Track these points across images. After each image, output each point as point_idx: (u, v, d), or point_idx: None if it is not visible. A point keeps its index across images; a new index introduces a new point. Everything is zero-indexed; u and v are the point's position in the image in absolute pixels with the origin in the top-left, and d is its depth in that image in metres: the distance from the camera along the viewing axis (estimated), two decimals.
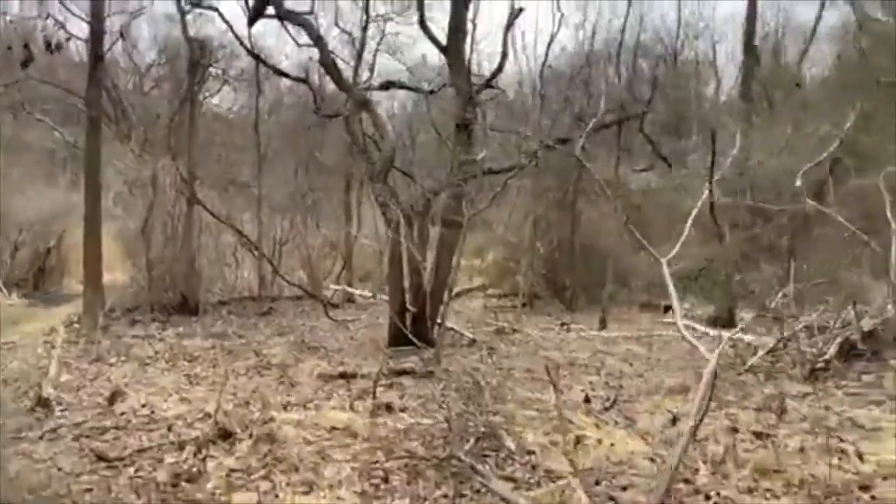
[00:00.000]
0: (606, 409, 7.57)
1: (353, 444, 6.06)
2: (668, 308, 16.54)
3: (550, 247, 17.13)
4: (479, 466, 5.32)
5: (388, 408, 7.39)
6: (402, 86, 13.00)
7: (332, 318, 13.34)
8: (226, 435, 6.10)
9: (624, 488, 5.25)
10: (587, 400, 7.90)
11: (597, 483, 5.33)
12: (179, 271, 14.45)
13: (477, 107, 10.70)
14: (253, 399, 7.71)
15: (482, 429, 6.29)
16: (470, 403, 7.38)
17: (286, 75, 13.98)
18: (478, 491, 5.15)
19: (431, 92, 13.53)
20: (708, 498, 5.09)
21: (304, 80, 13.05)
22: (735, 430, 6.69)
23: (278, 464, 5.65)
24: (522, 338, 12.10)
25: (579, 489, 4.88)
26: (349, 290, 16.07)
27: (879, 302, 10.95)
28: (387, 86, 12.58)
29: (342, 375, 9.05)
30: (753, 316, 11.34)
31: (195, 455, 5.79)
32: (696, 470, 5.68)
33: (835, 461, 5.69)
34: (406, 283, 10.94)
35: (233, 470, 5.54)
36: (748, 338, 11.70)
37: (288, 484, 5.28)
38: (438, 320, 10.81)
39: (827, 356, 9.39)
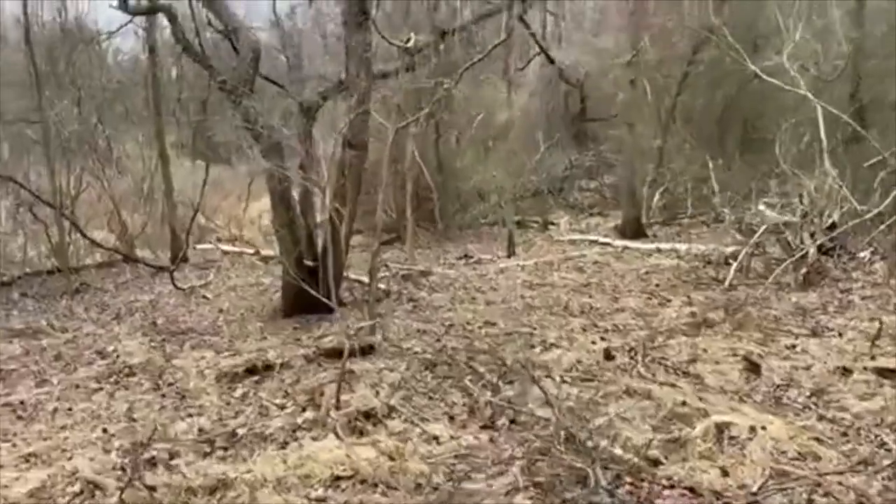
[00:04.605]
0: (638, 362, 5.74)
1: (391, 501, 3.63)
2: (546, 224, 15.23)
3: (412, 172, 14.83)
4: None
5: (371, 417, 4.94)
6: None
7: (180, 286, 10.19)
8: None
9: None
10: (609, 356, 6.00)
11: None
12: None
13: None
14: (145, 432, 4.87)
15: (573, 435, 4.11)
16: (495, 391, 5.16)
17: None
18: None
19: None
20: None
21: None
22: (847, 371, 5.16)
23: None
24: (438, 280, 9.90)
25: None
26: (225, 248, 12.60)
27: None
28: None
29: (252, 370, 6.36)
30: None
31: None
32: None
33: None
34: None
35: None
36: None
37: None
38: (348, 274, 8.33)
39: (810, 258, 8.30)
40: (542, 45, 11.97)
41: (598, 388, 5.05)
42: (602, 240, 12.08)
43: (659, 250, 10.71)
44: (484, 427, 4.69)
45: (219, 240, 14.56)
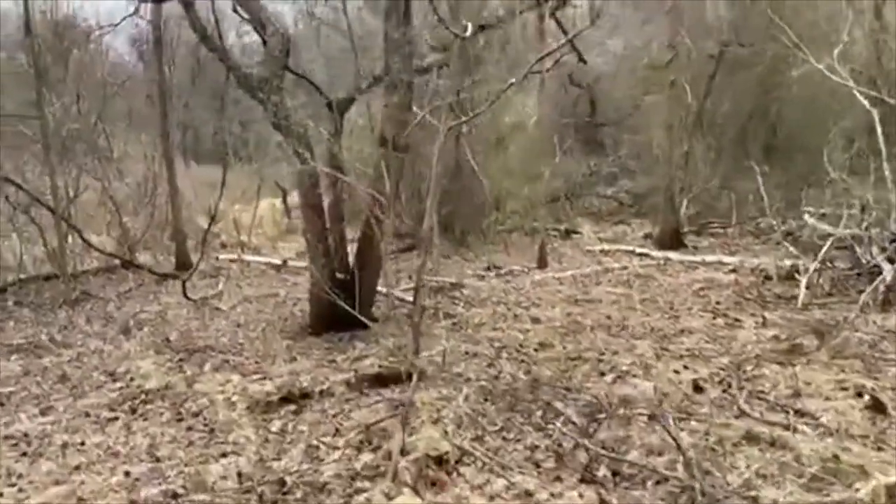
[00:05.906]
0: (736, 396, 5.04)
1: None
2: (569, 232, 14.56)
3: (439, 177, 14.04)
4: None
5: (444, 463, 4.21)
6: None
7: (191, 297, 9.40)
8: None
9: None
10: (698, 388, 5.30)
11: None
12: None
13: None
14: (176, 473, 4.13)
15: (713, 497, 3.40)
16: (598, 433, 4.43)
17: None
18: None
19: None
20: None
21: None
22: None
23: None
24: (472, 294, 9.17)
25: None
26: (249, 258, 11.66)
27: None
28: None
29: (287, 399, 5.61)
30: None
31: None
32: None
33: None
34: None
35: None
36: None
37: None
38: (381, 288, 7.60)
39: (888, 276, 7.62)
40: (574, 45, 11.20)
41: (710, 432, 4.32)
42: (639, 250, 11.36)
43: (704, 262, 10.02)
44: (582, 480, 3.97)
45: (223, 246, 13.79)
